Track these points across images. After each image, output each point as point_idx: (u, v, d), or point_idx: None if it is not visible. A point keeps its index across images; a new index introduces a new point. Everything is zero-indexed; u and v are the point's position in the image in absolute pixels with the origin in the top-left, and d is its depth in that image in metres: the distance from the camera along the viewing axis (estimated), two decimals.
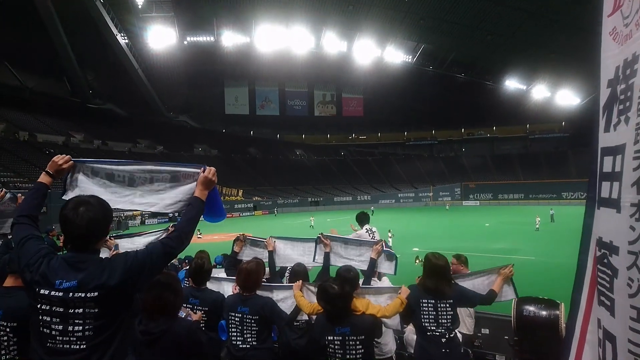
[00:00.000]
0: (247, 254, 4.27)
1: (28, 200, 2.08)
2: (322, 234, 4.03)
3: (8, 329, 2.33)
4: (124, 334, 1.86)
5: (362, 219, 5.68)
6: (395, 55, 62.45)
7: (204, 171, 2.18)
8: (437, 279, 3.16)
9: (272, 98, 79.39)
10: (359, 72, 64.35)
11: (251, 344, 3.12)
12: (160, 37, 53.35)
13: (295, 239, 4.23)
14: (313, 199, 59.99)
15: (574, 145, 64.21)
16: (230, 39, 57.46)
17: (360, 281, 3.78)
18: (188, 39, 57.38)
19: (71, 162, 2.20)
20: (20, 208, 2.08)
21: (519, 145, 75.10)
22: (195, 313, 3.18)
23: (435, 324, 3.12)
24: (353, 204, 58.11)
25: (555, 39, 49.41)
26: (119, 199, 2.21)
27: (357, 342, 2.69)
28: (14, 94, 49.36)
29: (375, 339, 3.25)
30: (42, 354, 1.75)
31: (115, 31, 48.41)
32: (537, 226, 27.83)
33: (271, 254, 4.11)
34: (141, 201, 2.24)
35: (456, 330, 3.22)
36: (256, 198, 54.85)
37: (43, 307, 1.74)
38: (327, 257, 3.91)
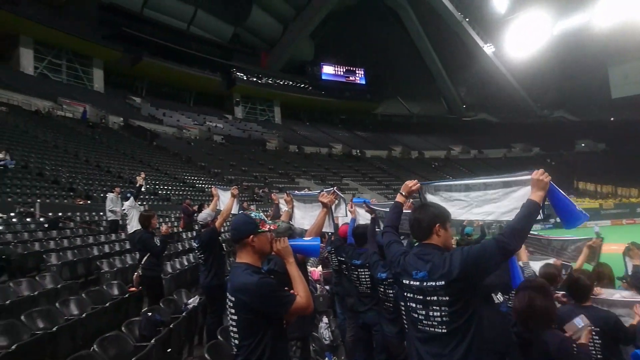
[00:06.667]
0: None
1: (390, 215, 2.65)
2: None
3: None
4: (478, 324, 2.01)
5: None
6: None
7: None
8: None
9: None
10: None
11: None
12: (525, 35, 51.87)
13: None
14: None
15: None
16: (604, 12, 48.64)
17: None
18: (556, 28, 52.94)
19: (418, 184, 2.67)
20: (386, 220, 2.68)
21: None
22: None
23: None
24: None
25: None
26: (459, 210, 2.57)
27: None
28: (406, 121, 60.29)
29: None
30: (414, 336, 2.14)
31: (481, 43, 50.64)
32: None
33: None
34: (479, 211, 2.52)
35: None
36: None
37: (408, 295, 2.13)
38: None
